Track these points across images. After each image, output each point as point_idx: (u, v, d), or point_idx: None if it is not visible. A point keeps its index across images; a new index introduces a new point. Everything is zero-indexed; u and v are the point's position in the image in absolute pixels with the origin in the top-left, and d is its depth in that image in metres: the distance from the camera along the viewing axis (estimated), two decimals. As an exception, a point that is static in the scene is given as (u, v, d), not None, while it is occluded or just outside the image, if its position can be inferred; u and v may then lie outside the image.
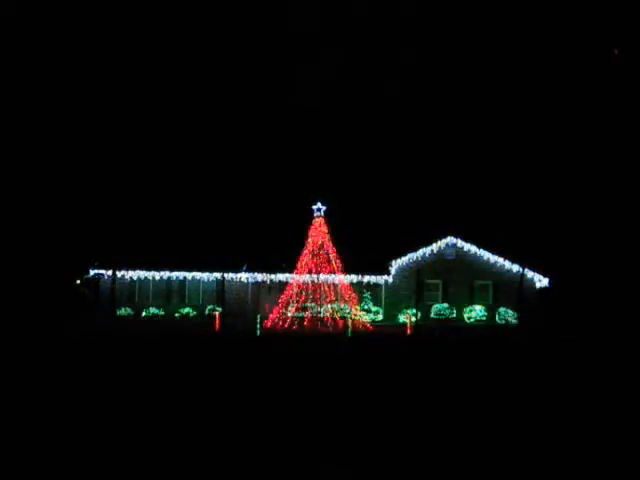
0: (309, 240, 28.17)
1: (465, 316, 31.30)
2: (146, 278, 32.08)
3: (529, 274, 32.12)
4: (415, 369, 13.53)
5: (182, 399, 9.13)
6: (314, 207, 28.52)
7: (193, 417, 7.93)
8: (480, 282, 32.44)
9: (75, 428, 7.27)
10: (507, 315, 31.16)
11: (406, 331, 24.46)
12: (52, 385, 10.35)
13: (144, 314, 31.21)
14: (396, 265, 32.47)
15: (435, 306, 31.60)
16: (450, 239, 32.69)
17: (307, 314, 26.52)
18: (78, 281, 37.78)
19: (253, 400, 9.09)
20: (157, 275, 31.92)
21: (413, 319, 27.23)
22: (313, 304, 27.07)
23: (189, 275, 32.15)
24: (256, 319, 23.03)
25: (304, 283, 27.51)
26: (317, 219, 28.39)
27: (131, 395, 9.47)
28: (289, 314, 26.56)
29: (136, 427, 7.41)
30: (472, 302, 31.92)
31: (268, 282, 32.32)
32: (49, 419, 7.75)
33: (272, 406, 8.63)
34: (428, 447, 6.70)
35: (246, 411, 8.32)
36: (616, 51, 36.83)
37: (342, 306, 27.08)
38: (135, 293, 32.29)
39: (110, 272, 31.12)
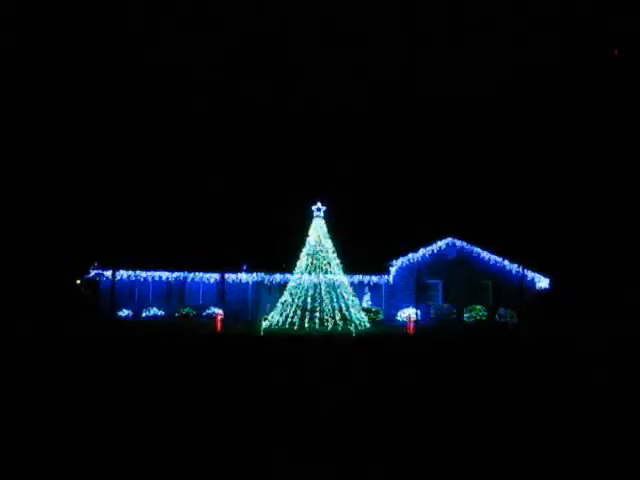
0: (309, 240, 28.15)
1: (465, 316, 31.31)
2: (146, 278, 32.07)
3: (529, 274, 32.13)
4: (416, 369, 13.53)
5: (183, 399, 9.12)
6: (314, 207, 28.49)
7: (194, 417, 7.92)
8: (480, 282, 32.44)
9: (75, 428, 7.27)
10: (507, 315, 31.19)
11: (406, 331, 24.44)
12: (52, 385, 10.34)
13: (144, 314, 31.20)
14: (396, 265, 32.46)
15: (435, 306, 31.65)
16: (450, 239, 32.70)
17: (307, 314, 26.49)
18: (78, 281, 37.78)
19: (254, 400, 9.09)
20: (157, 275, 31.91)
21: (413, 319, 27.21)
22: (313, 304, 27.03)
23: (189, 275, 32.14)
24: (256, 319, 23.04)
25: (304, 283, 27.49)
26: (317, 219, 28.36)
27: (131, 396, 9.47)
28: (289, 314, 26.54)
29: (136, 427, 7.41)
30: (472, 302, 31.92)
31: (268, 282, 32.32)
32: (49, 419, 7.74)
33: (273, 406, 8.62)
34: (429, 448, 6.70)
35: (247, 411, 8.32)
36: (616, 51, 36.82)
37: (342, 306, 27.06)
38: (135, 293, 32.29)
39: (110, 272, 31.12)
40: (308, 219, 28.90)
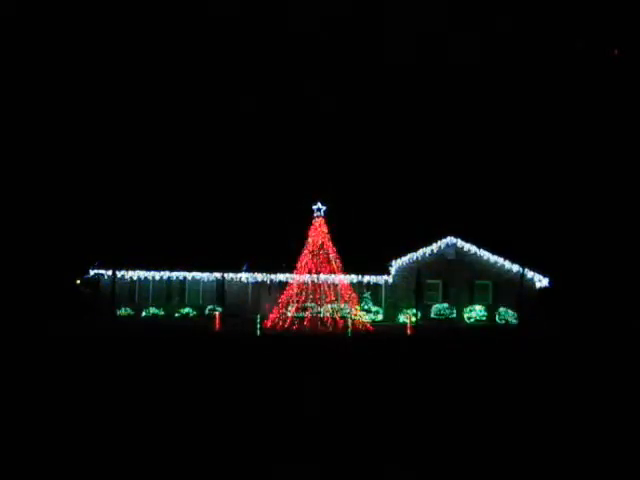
0: (309, 240, 28.11)
1: (465, 316, 31.33)
2: (146, 278, 32.07)
3: (529, 274, 32.10)
4: (415, 369, 13.53)
5: (182, 399, 9.13)
6: (314, 207, 28.45)
7: (193, 417, 7.93)
8: (480, 282, 32.42)
9: (75, 428, 7.27)
10: (507, 315, 31.17)
11: (406, 331, 24.44)
12: (52, 385, 10.35)
13: (144, 314, 31.20)
14: (396, 265, 32.46)
15: (435, 306, 31.64)
16: (450, 239, 32.68)
17: (307, 314, 26.48)
18: (78, 281, 37.79)
19: (252, 400, 9.09)
20: (157, 275, 31.91)
21: (413, 319, 27.20)
22: (313, 304, 27.02)
23: (189, 275, 32.13)
24: (256, 319, 23.03)
25: (304, 283, 27.47)
26: (317, 219, 28.32)
27: (131, 395, 9.48)
28: (289, 314, 26.52)
29: (136, 427, 7.41)
30: (472, 302, 31.93)
31: (268, 282, 32.32)
32: (48, 420, 7.75)
33: (271, 406, 8.63)
34: (427, 447, 6.70)
35: (245, 411, 8.32)
36: (616, 51, 36.82)
37: (342, 306, 27.03)
38: (135, 293, 32.28)
39: (110, 272, 31.12)
40: (308, 219, 28.89)
